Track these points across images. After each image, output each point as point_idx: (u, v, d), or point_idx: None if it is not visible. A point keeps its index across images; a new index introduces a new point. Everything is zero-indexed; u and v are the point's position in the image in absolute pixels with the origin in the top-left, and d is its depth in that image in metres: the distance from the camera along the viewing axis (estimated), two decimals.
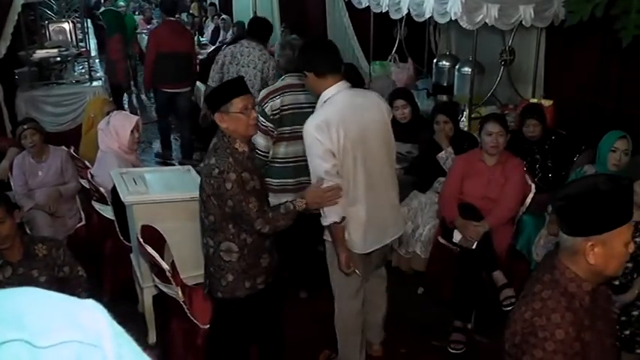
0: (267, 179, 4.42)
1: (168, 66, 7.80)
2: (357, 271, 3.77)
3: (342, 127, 3.53)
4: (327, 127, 3.51)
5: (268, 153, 4.57)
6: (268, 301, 3.63)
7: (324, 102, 3.67)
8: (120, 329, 0.93)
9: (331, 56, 3.74)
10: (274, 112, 4.50)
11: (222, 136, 3.39)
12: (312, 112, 3.81)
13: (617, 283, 3.84)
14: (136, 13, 16.15)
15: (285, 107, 4.54)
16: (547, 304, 2.18)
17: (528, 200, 4.83)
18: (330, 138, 3.51)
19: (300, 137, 3.79)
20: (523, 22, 5.49)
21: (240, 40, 6.79)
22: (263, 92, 4.72)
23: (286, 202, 3.46)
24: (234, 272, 3.44)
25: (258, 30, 6.68)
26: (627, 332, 3.83)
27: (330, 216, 3.60)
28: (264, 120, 4.46)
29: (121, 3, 11.42)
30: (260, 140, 4.46)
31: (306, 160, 3.76)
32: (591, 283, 2.21)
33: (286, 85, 4.63)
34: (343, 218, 3.61)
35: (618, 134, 4.45)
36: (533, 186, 4.87)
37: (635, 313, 3.86)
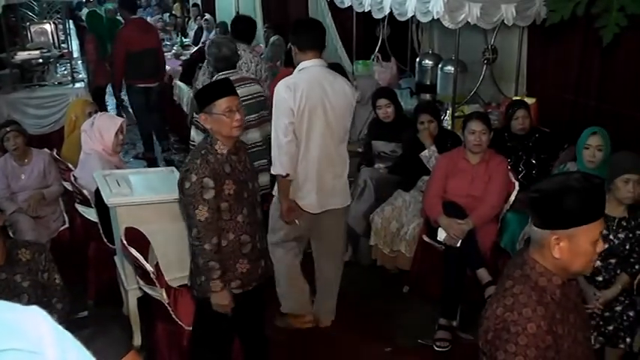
0: None
1: (140, 63, 8.02)
2: (296, 221, 4.34)
3: (305, 93, 4.10)
4: (294, 89, 4.10)
5: None
6: (245, 307, 3.60)
7: (299, 70, 4.26)
8: (66, 334, 0.92)
9: (313, 36, 4.30)
10: None
11: (207, 135, 3.43)
12: (264, 100, 4.85)
13: (600, 279, 3.88)
14: (118, 14, 16.04)
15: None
16: (518, 299, 2.20)
17: (512, 198, 4.85)
18: (294, 98, 4.07)
19: (255, 125, 4.84)
20: (505, 21, 5.51)
21: None
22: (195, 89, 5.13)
23: (219, 276, 3.36)
24: None
25: (243, 30, 6.56)
26: (610, 327, 3.86)
27: (277, 168, 4.16)
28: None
29: (109, 7, 11.24)
30: (197, 136, 4.91)
31: (261, 146, 4.81)
32: (561, 277, 2.23)
33: (239, 78, 5.06)
34: (288, 174, 4.13)
35: (590, 131, 4.46)
36: (516, 183, 4.89)
37: (619, 308, 3.89)
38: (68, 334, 0.93)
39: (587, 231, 2.14)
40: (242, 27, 6.60)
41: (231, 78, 4.55)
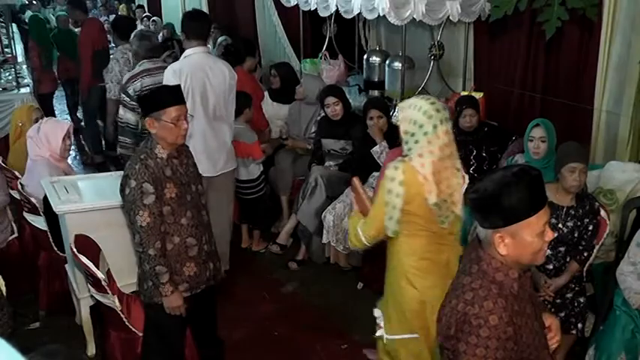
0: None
1: (103, 62, 7.73)
2: None
3: (189, 75, 4.76)
4: (179, 73, 4.75)
5: (137, 126, 5.44)
6: (194, 310, 3.59)
7: (185, 57, 4.95)
8: None
9: (197, 26, 4.97)
10: (137, 93, 5.30)
11: (147, 139, 3.40)
12: None
13: (551, 267, 3.95)
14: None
15: (145, 88, 5.36)
16: (478, 293, 2.22)
17: (462, 190, 4.89)
18: (179, 81, 4.60)
19: None
20: (450, 17, 5.57)
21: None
22: (125, 77, 5.72)
23: (168, 280, 3.35)
24: None
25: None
26: (562, 314, 3.93)
27: None
28: (130, 100, 5.41)
29: (61, 14, 10.79)
30: (130, 116, 5.44)
31: None
32: (517, 270, 2.26)
33: (144, 69, 5.61)
34: None
35: (534, 123, 4.51)
36: (466, 177, 4.92)
37: (569, 295, 3.97)
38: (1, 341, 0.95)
39: (529, 225, 2.16)
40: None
41: (151, 66, 5.60)
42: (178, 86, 3.61)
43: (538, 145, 4.44)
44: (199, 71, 4.81)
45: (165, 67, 5.16)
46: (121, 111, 5.54)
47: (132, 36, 6.50)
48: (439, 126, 3.21)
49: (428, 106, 3.22)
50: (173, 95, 3.42)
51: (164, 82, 4.74)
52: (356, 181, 3.60)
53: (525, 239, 2.18)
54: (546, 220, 2.22)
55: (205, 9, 11.08)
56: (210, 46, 10.22)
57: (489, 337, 2.16)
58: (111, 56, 7.25)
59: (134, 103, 5.25)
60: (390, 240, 3.42)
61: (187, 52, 4.92)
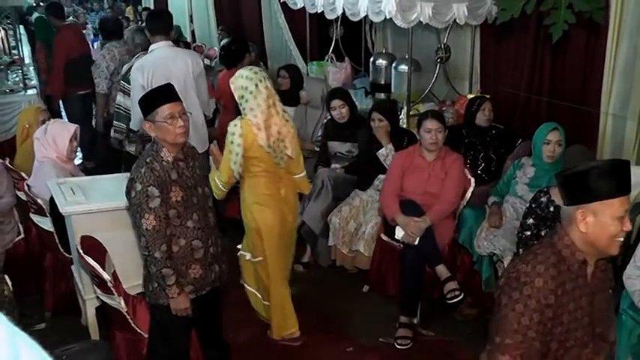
0: (133, 134, 5.86)
1: (81, 68, 7.84)
2: None
3: (152, 70, 5.21)
4: (141, 69, 5.25)
5: (130, 110, 5.78)
6: (200, 312, 3.60)
7: (149, 52, 5.47)
8: (19, 332, 0.93)
9: (159, 23, 5.59)
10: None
11: (152, 143, 3.40)
12: None
13: None
14: (70, 17, 15.82)
15: None
16: (537, 257, 2.37)
17: (468, 194, 4.91)
18: (142, 77, 5.19)
19: None
20: (457, 20, 5.57)
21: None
22: (125, 67, 6.20)
23: (175, 282, 3.36)
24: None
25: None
26: None
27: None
28: (128, 85, 5.73)
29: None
30: (128, 102, 5.81)
31: None
32: (585, 254, 2.37)
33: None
34: None
35: (550, 126, 4.55)
36: (472, 180, 4.95)
37: None
38: (23, 335, 0.94)
39: (612, 206, 2.29)
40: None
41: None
42: (169, 85, 3.59)
43: (554, 148, 4.49)
44: (161, 64, 5.28)
45: None
46: (120, 97, 5.98)
47: (127, 32, 7.14)
48: (259, 84, 4.16)
49: (247, 72, 4.22)
50: (164, 94, 3.42)
51: (132, 81, 5.40)
52: (213, 147, 4.61)
53: (606, 220, 2.30)
54: (627, 208, 2.34)
55: (212, 12, 11.13)
56: (216, 48, 10.29)
57: (530, 296, 2.29)
58: (99, 54, 7.28)
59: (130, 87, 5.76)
60: (240, 182, 4.37)
61: (152, 46, 5.48)
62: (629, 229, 2.37)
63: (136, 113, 5.18)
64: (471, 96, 5.95)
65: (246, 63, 6.58)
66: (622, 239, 2.38)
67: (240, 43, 7.14)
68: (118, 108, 6.01)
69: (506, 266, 2.53)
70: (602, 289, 2.55)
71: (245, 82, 4.15)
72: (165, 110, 3.30)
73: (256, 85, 4.14)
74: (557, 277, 2.33)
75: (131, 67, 5.80)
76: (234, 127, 4.16)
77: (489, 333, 2.48)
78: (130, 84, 5.66)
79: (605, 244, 2.35)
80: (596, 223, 2.31)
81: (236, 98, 4.25)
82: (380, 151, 5.32)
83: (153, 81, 5.07)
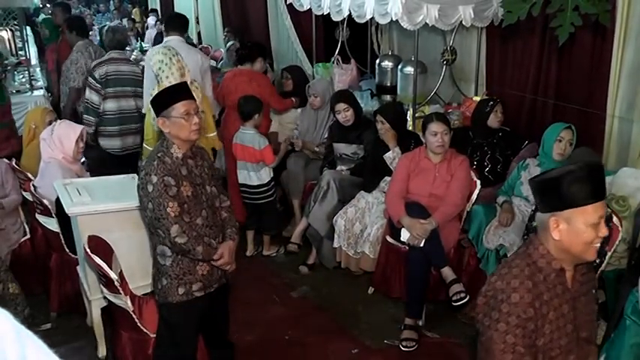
0: (101, 127, 6.29)
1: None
2: None
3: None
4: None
5: (99, 106, 6.23)
6: (208, 309, 3.62)
7: (164, 43, 6.15)
8: (26, 332, 0.95)
9: (173, 22, 6.57)
10: (101, 77, 6.19)
11: (162, 139, 3.42)
12: (132, 77, 6.37)
13: None
14: None
15: (110, 74, 6.22)
16: (512, 270, 2.32)
17: (474, 196, 4.91)
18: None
19: (122, 96, 6.30)
20: (463, 22, 5.55)
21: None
22: (93, 63, 6.49)
23: (212, 246, 3.46)
24: (167, 277, 3.43)
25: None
26: None
27: None
28: (95, 82, 6.18)
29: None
30: (94, 97, 6.20)
31: (127, 113, 6.33)
32: (561, 262, 2.34)
33: (110, 58, 6.36)
34: None
35: (564, 125, 4.60)
36: (478, 182, 4.94)
37: None
38: (30, 334, 0.95)
39: (585, 213, 2.24)
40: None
41: (117, 56, 6.41)
42: (184, 83, 3.62)
43: (565, 146, 4.52)
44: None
45: (129, 60, 6.69)
46: (87, 92, 6.29)
47: (105, 30, 7.33)
48: (172, 57, 5.17)
49: (162, 50, 5.30)
50: (179, 91, 3.44)
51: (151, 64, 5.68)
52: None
53: (579, 227, 2.26)
54: (602, 215, 2.29)
55: (218, 13, 11.14)
56: (222, 49, 10.32)
57: (509, 312, 2.25)
58: (76, 50, 7.27)
59: (98, 85, 6.20)
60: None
61: (166, 39, 6.41)
62: (605, 235, 2.33)
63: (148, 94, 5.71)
64: (477, 98, 5.95)
65: (258, 66, 6.62)
66: (598, 245, 2.33)
67: (258, 45, 7.16)
68: (86, 103, 6.29)
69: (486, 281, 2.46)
70: (585, 292, 2.51)
71: (160, 56, 5.17)
72: (181, 107, 3.33)
73: (170, 59, 5.15)
74: (533, 288, 2.28)
75: (98, 63, 6.30)
76: (153, 92, 4.77)
77: (478, 354, 2.43)
78: (96, 80, 6.18)
79: (579, 250, 2.31)
80: (570, 231, 2.27)
81: (154, 71, 5.22)
82: (387, 154, 5.32)
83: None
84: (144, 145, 5.75)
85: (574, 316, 2.40)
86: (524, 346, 2.26)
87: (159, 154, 3.34)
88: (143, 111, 6.02)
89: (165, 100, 3.40)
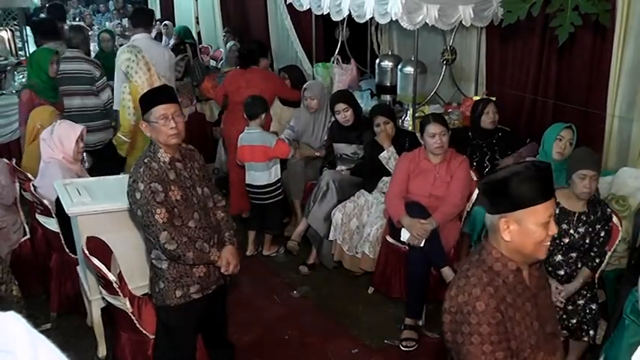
0: None
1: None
2: None
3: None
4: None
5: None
6: (206, 311, 3.61)
7: (131, 41, 6.57)
8: (39, 336, 0.97)
9: (141, 17, 6.91)
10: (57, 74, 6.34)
11: (150, 144, 3.40)
12: (82, 76, 6.52)
13: (562, 273, 3.94)
14: (76, 19, 15.86)
15: (61, 72, 6.37)
16: (470, 280, 2.29)
17: (474, 197, 4.90)
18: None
19: (70, 94, 6.48)
20: (463, 22, 5.56)
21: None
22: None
23: (210, 248, 3.44)
24: (164, 280, 3.43)
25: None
26: (574, 321, 3.92)
27: None
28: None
29: (106, 34, 10.01)
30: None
31: (78, 111, 6.45)
32: (516, 263, 2.32)
33: (64, 56, 6.55)
34: None
35: (564, 124, 4.59)
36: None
37: (581, 302, 3.96)
38: (42, 337, 0.97)
39: (534, 213, 2.24)
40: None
41: (69, 54, 6.59)
42: (165, 86, 3.61)
43: (565, 146, 4.50)
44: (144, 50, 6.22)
45: (81, 57, 6.68)
46: None
47: (67, 31, 7.44)
48: (138, 54, 5.93)
49: (128, 49, 6.07)
50: (158, 95, 3.42)
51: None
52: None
53: (530, 227, 2.25)
54: (552, 213, 2.28)
55: (218, 13, 11.12)
56: (222, 49, 10.32)
57: (479, 323, 2.22)
58: None
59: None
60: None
61: (133, 37, 6.71)
62: (554, 234, 2.32)
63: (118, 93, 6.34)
64: (476, 98, 5.95)
65: (262, 66, 6.60)
66: (548, 244, 2.33)
67: (258, 44, 7.16)
68: None
69: (444, 301, 2.42)
70: (542, 287, 2.51)
71: (127, 54, 5.98)
72: (159, 111, 3.29)
73: (136, 55, 5.95)
74: (496, 293, 2.25)
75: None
76: (125, 89, 5.90)
77: None
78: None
79: (531, 250, 2.29)
80: (520, 231, 2.26)
81: (123, 69, 5.97)
82: (382, 154, 5.32)
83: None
84: (117, 134, 6.36)
85: (537, 312, 2.39)
86: (503, 350, 2.24)
87: (145, 160, 3.31)
88: (115, 107, 6.48)
89: (145, 103, 3.38)
